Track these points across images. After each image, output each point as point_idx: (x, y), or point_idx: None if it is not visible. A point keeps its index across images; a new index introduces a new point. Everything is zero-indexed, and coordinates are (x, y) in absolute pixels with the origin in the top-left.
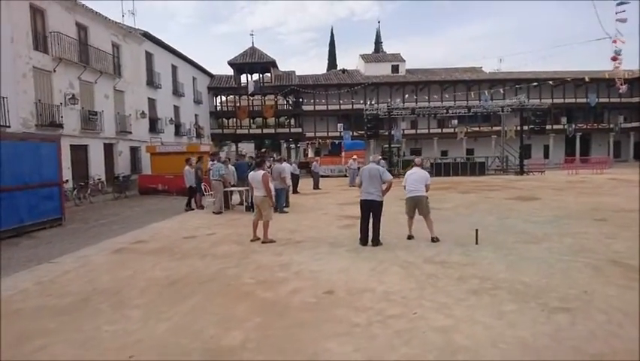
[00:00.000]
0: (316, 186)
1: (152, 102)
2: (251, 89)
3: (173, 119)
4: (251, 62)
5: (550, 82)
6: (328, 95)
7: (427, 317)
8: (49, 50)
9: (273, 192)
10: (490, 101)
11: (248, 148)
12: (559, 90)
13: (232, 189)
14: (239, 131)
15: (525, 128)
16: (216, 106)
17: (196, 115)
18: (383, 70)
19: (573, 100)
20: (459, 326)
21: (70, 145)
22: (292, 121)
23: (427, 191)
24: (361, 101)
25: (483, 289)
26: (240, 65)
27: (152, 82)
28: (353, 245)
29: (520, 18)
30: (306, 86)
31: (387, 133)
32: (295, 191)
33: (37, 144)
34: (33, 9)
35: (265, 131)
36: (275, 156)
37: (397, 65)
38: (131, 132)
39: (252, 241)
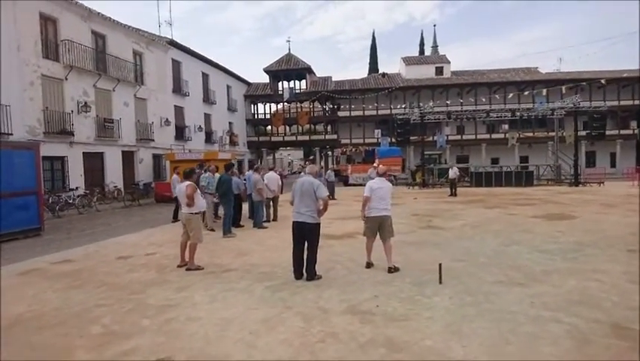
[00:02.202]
0: (331, 197)
1: (179, 110)
2: (286, 96)
3: (203, 126)
4: (286, 68)
5: (602, 81)
6: (365, 99)
7: None
8: (61, 58)
9: (203, 208)
10: (546, 103)
11: (295, 155)
12: (627, 91)
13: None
14: (274, 139)
15: (584, 133)
16: (254, 114)
17: (230, 123)
18: (426, 72)
19: None
20: None
21: (84, 153)
22: (328, 128)
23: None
24: (400, 106)
25: None
26: (276, 72)
27: (179, 89)
28: (285, 278)
29: (588, 15)
30: (341, 91)
31: (427, 139)
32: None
33: (11, 152)
34: (44, 18)
35: (300, 138)
36: (258, 164)
37: (442, 67)
38: (153, 140)
39: (178, 266)
